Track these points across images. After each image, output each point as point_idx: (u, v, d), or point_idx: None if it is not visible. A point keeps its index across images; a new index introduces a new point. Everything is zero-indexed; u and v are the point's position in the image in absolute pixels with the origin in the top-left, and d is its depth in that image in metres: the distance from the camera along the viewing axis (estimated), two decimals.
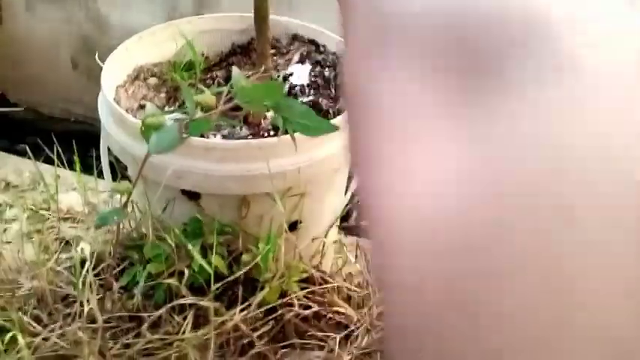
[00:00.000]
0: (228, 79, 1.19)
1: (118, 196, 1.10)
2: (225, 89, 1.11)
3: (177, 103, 1.15)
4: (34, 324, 0.95)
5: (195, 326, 1.01)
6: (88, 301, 0.94)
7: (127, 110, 1.06)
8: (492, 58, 0.18)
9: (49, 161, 2.18)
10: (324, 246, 1.09)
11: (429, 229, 0.18)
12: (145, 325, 0.93)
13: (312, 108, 1.12)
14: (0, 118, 2.40)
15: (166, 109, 1.13)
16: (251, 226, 1.00)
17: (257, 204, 0.99)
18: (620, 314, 0.18)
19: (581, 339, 0.18)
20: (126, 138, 0.97)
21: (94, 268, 1.03)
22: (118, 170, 1.22)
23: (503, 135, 0.18)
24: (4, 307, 1.01)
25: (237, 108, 1.10)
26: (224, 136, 1.08)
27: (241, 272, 0.97)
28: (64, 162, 2.25)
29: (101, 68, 2.24)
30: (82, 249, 1.19)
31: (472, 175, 0.18)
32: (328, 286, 1.09)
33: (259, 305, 1.00)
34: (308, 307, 1.07)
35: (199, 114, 0.70)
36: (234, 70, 0.72)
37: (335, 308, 1.07)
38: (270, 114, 1.14)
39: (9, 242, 1.26)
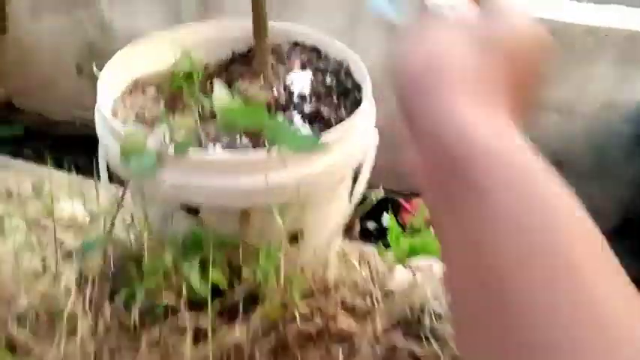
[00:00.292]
0: (228, 87, 1.14)
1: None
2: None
3: (176, 113, 1.10)
4: (29, 342, 0.90)
5: (196, 341, 0.97)
6: (85, 317, 0.90)
7: (124, 122, 1.01)
8: None
9: (55, 165, 2.15)
10: (327, 257, 1.04)
11: None
12: (143, 344, 0.89)
13: (313, 117, 1.07)
14: (7, 123, 2.37)
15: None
16: (252, 238, 0.95)
17: (258, 217, 0.94)
18: None
19: None
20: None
21: (92, 282, 0.99)
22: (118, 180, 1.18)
23: None
24: None
25: None
26: (224, 146, 1.04)
27: (241, 286, 0.93)
28: (70, 167, 2.22)
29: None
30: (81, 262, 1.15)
31: None
32: (331, 298, 1.04)
33: (260, 319, 0.96)
34: (311, 320, 1.03)
35: (182, 134, 0.65)
36: (217, 86, 0.67)
37: (338, 321, 1.03)
38: None
39: (9, 254, 1.21)
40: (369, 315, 1.06)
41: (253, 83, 1.05)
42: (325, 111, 1.07)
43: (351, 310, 1.08)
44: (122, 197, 0.72)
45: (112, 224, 0.74)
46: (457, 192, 0.33)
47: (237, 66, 1.18)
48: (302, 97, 1.11)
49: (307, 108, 1.09)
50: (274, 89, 1.10)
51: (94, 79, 2.30)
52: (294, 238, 1.01)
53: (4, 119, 2.34)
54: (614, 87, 1.85)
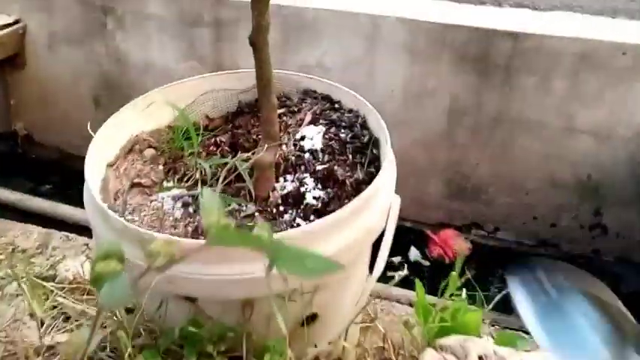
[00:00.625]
0: (233, 145, 1.01)
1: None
2: (229, 162, 0.94)
3: (176, 176, 0.97)
4: None
5: None
6: None
7: (116, 193, 0.89)
8: None
9: (72, 202, 2.06)
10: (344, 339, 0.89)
11: None
12: None
13: (326, 178, 0.93)
14: (26, 158, 2.29)
15: (165, 183, 0.96)
16: (257, 327, 0.82)
17: (262, 305, 0.80)
18: None
19: None
20: (110, 234, 0.79)
21: None
22: None
23: None
24: None
25: (239, 178, 0.92)
26: (228, 214, 0.90)
27: None
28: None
29: (123, 105, 2.08)
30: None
31: None
32: None
33: None
34: None
35: (160, 260, 0.52)
36: (206, 195, 0.54)
37: None
38: (279, 185, 0.95)
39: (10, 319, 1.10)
40: None
41: (257, 151, 0.91)
42: (339, 171, 0.93)
43: None
44: (94, 326, 0.59)
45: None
46: None
47: (244, 118, 1.05)
48: (313, 154, 0.97)
49: (319, 167, 0.95)
50: (283, 146, 0.96)
51: (110, 112, 2.20)
52: (310, 319, 0.87)
53: (25, 154, 2.26)
54: None
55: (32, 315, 1.13)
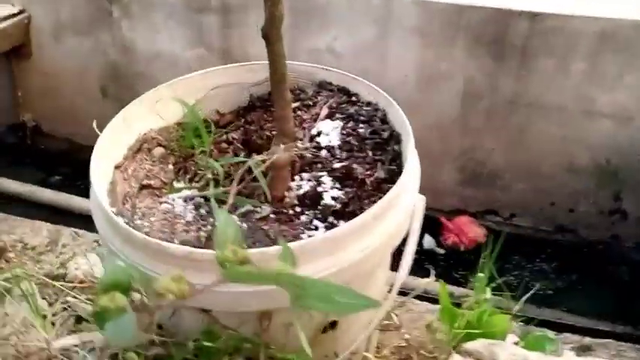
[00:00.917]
0: (245, 142, 0.95)
1: None
2: (244, 163, 0.88)
3: (187, 176, 0.91)
4: None
5: None
6: None
7: (124, 196, 0.83)
8: None
9: (82, 193, 2.01)
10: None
11: None
12: None
13: (344, 177, 0.87)
14: (35, 150, 2.23)
15: (175, 184, 0.90)
16: (275, 337, 0.76)
17: (281, 315, 0.75)
18: None
19: None
20: (117, 242, 0.74)
21: None
22: None
23: None
24: None
25: (254, 178, 0.86)
26: (241, 216, 0.84)
27: None
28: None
29: (131, 95, 2.02)
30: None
31: None
32: None
33: None
34: None
35: (169, 299, 0.46)
36: (220, 220, 0.47)
37: None
38: (295, 184, 0.89)
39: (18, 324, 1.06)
40: None
41: (274, 143, 0.84)
42: (358, 169, 0.86)
43: None
44: None
45: None
46: None
47: (256, 113, 0.98)
48: (330, 151, 0.90)
49: (337, 165, 0.88)
50: (298, 143, 0.90)
51: (118, 101, 2.14)
52: (331, 325, 0.81)
53: (33, 145, 2.21)
54: None
55: (45, 316, 1.08)
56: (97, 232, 1.35)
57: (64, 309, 1.11)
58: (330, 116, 0.94)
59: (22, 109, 2.18)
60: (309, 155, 0.89)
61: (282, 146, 0.81)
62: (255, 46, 1.90)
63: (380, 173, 0.85)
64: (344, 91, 0.98)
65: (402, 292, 0.88)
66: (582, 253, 1.76)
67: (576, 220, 1.79)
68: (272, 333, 0.76)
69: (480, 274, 0.89)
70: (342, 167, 0.87)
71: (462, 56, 1.72)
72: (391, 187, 0.80)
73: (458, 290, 1.36)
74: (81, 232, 1.33)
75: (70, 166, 2.14)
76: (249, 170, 0.84)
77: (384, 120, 0.92)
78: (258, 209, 0.85)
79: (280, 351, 0.75)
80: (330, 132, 0.92)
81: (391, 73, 1.80)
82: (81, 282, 1.18)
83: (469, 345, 0.84)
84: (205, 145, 0.88)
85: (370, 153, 0.88)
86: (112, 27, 1.99)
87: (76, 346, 1.01)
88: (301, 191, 0.86)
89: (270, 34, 0.75)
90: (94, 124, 0.96)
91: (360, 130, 0.91)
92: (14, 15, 1.99)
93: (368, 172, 0.86)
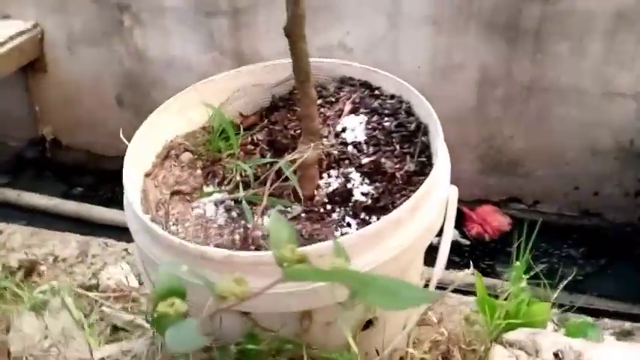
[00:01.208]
0: (270, 142, 0.94)
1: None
2: (275, 164, 0.87)
3: (216, 180, 0.91)
4: None
5: None
6: None
7: (157, 204, 0.83)
8: None
9: (105, 203, 2.02)
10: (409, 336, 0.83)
11: None
12: None
13: (373, 172, 0.86)
14: (55, 163, 2.25)
15: (205, 188, 0.90)
16: (316, 336, 0.76)
17: (322, 314, 0.74)
18: None
19: None
20: (155, 250, 0.74)
21: None
22: None
23: None
24: None
25: (285, 178, 0.86)
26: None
27: None
28: (120, 201, 2.08)
29: (147, 102, 2.01)
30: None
31: None
32: None
33: None
34: None
35: (230, 299, 0.46)
36: (273, 222, 0.47)
37: None
38: (323, 182, 0.88)
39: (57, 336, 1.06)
40: None
41: (301, 148, 0.84)
42: (387, 163, 0.86)
43: None
44: None
45: None
46: None
47: (279, 113, 0.98)
48: (357, 147, 0.90)
49: (365, 160, 0.87)
50: (324, 140, 0.89)
51: (135, 109, 2.14)
52: (368, 323, 0.81)
53: (53, 158, 2.23)
54: None
55: (82, 327, 1.09)
56: (126, 241, 1.37)
57: (100, 319, 1.11)
58: (353, 111, 0.93)
59: (41, 123, 2.19)
60: (335, 152, 0.88)
61: (311, 145, 0.80)
62: (266, 46, 1.90)
63: (409, 166, 0.84)
64: (366, 85, 0.97)
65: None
66: (609, 236, 1.74)
67: (602, 204, 1.77)
68: (313, 333, 0.76)
69: (517, 263, 0.88)
70: (370, 162, 0.86)
71: (475, 44, 1.71)
72: (422, 179, 0.80)
73: (487, 281, 1.35)
74: (110, 241, 1.34)
75: (91, 177, 2.16)
76: (275, 170, 0.84)
77: (409, 112, 0.91)
78: (289, 209, 0.85)
79: (322, 351, 0.75)
80: (355, 127, 0.91)
81: (404, 65, 1.78)
82: (114, 291, 1.19)
83: (510, 335, 0.83)
84: (233, 148, 0.88)
85: (398, 146, 0.88)
86: (124, 36, 1.99)
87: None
88: (330, 189, 0.86)
89: (293, 33, 0.75)
90: (121, 134, 0.96)
91: (386, 124, 0.90)
92: (27, 30, 2.00)
93: (397, 166, 0.85)
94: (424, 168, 0.84)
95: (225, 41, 1.92)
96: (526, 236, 0.94)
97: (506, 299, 0.86)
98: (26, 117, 2.20)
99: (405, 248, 0.71)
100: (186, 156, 0.91)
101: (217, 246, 0.77)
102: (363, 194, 0.84)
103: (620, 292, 1.55)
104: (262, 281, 0.68)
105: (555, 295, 0.97)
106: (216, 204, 0.86)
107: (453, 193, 0.83)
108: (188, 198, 0.88)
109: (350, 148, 0.89)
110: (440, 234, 0.83)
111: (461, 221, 1.83)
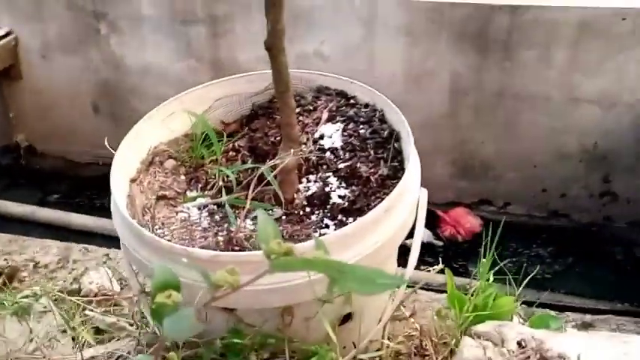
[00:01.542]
0: (251, 149, 1.00)
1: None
2: (255, 172, 0.93)
3: (199, 185, 0.96)
4: None
5: None
6: None
7: (143, 208, 0.88)
8: None
9: (82, 210, 2.05)
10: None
11: None
12: None
13: (350, 176, 0.93)
14: (30, 170, 2.26)
15: (188, 193, 0.95)
16: (297, 331, 0.82)
17: (302, 309, 0.80)
18: None
19: None
20: (144, 251, 0.79)
21: None
22: None
23: None
24: None
25: (266, 183, 0.91)
26: (254, 219, 0.90)
27: None
28: (97, 207, 2.11)
29: (124, 109, 2.05)
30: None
31: None
32: None
33: None
34: None
35: (225, 287, 0.52)
36: (260, 220, 0.53)
37: None
38: (302, 186, 0.95)
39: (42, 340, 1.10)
40: None
41: (281, 148, 0.90)
42: (362, 168, 0.92)
43: None
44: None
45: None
46: None
47: (259, 121, 1.04)
48: (334, 153, 0.96)
49: (341, 165, 0.94)
50: (302, 147, 0.95)
51: (111, 117, 2.17)
52: (346, 318, 0.87)
53: (28, 165, 2.24)
54: None
55: (65, 331, 1.13)
56: (106, 247, 1.41)
57: (84, 322, 1.15)
58: (330, 119, 0.99)
59: (15, 130, 2.21)
60: (314, 158, 0.95)
61: (292, 151, 0.87)
62: (243, 54, 1.95)
63: (383, 170, 0.91)
64: (342, 94, 1.04)
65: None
66: (576, 236, 1.84)
67: (568, 205, 1.87)
68: (293, 328, 0.82)
69: (483, 260, 0.95)
70: (346, 167, 0.93)
71: (447, 52, 1.79)
72: (395, 182, 0.86)
73: (458, 280, 1.43)
74: (91, 247, 1.38)
75: (67, 184, 2.18)
76: (257, 175, 0.90)
77: (383, 120, 0.98)
78: (270, 212, 0.90)
79: (302, 344, 0.81)
80: (332, 134, 0.98)
81: (379, 72, 1.86)
82: (96, 295, 1.23)
83: (478, 327, 0.90)
84: (216, 154, 0.93)
85: (372, 152, 0.94)
86: (100, 44, 2.03)
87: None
88: (309, 192, 0.92)
89: (274, 47, 0.81)
90: (106, 142, 1.00)
91: (361, 131, 0.97)
92: (1, 37, 2.02)
93: (372, 170, 0.92)
94: (397, 172, 0.91)
95: (203, 49, 1.97)
96: (493, 236, 1.02)
97: (474, 294, 0.93)
98: (0, 124, 2.21)
99: (381, 245, 0.78)
100: (169, 162, 0.97)
101: (202, 247, 0.82)
102: (340, 197, 0.90)
103: (585, 289, 1.64)
104: (247, 279, 0.74)
105: (522, 291, 1.04)
106: (200, 208, 0.92)
107: (423, 195, 0.90)
108: (172, 203, 0.93)
109: (327, 154, 0.96)
110: (412, 233, 0.90)
111: (434, 223, 1.91)
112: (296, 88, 1.05)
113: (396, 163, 0.92)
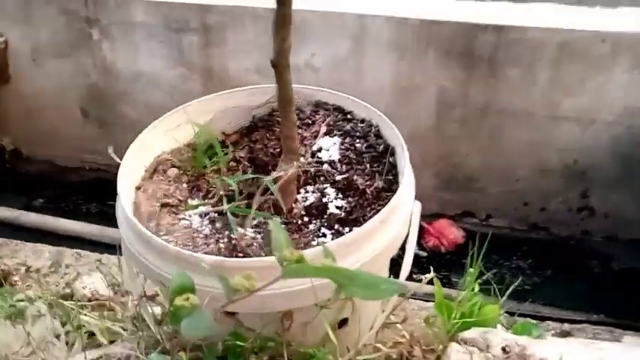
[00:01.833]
0: (252, 159, 1.05)
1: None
2: (259, 182, 0.98)
3: (200, 193, 1.01)
4: None
5: None
6: None
7: (148, 215, 0.92)
8: None
9: (68, 215, 2.06)
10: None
11: None
12: None
13: (346, 188, 0.98)
14: (15, 173, 2.28)
15: (189, 201, 1.00)
16: (295, 335, 0.87)
17: (301, 314, 0.85)
18: None
19: None
20: (150, 257, 0.83)
21: None
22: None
23: None
24: None
25: (264, 193, 0.96)
26: (254, 227, 0.95)
27: None
28: (83, 213, 2.13)
29: (113, 115, 2.08)
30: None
31: None
32: None
33: None
34: None
35: (241, 292, 0.57)
36: (273, 226, 0.58)
37: None
38: (301, 197, 1.00)
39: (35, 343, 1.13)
40: None
41: (282, 160, 0.95)
42: (359, 180, 0.98)
43: None
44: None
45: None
46: None
47: (259, 132, 1.09)
48: (332, 165, 1.02)
49: (338, 177, 1.00)
50: (302, 159, 1.01)
51: (100, 122, 2.20)
52: (341, 323, 0.92)
53: (13, 169, 2.25)
54: (634, 92, 1.75)
55: (59, 335, 1.16)
56: (98, 251, 1.44)
57: (78, 327, 1.18)
58: (328, 133, 1.05)
59: (1, 133, 2.22)
60: (312, 170, 1.00)
61: (295, 163, 0.92)
62: (235, 64, 2.00)
63: (379, 183, 0.97)
64: (339, 109, 1.09)
65: None
66: (555, 249, 1.92)
67: (548, 219, 1.95)
68: (292, 332, 0.87)
69: (470, 270, 1.02)
70: (343, 179, 0.99)
71: (434, 68, 1.86)
72: (390, 195, 0.92)
73: (443, 290, 1.49)
74: (83, 252, 1.41)
75: (53, 189, 2.19)
76: (254, 185, 0.95)
77: (378, 135, 1.04)
78: (270, 221, 0.95)
79: (300, 347, 0.86)
80: (329, 148, 1.03)
81: (367, 86, 1.92)
82: (89, 300, 1.26)
83: (465, 334, 0.96)
84: (219, 164, 0.98)
85: (368, 165, 1.00)
86: (92, 49, 2.06)
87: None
88: (307, 202, 0.97)
89: (280, 64, 0.86)
90: (110, 150, 1.04)
91: (357, 145, 1.03)
92: None
93: (368, 183, 0.98)
94: (391, 185, 0.96)
95: (194, 57, 2.01)
96: (479, 247, 1.08)
97: (460, 302, 0.99)
98: None
99: (377, 254, 0.84)
100: (172, 171, 1.01)
101: (205, 254, 0.87)
102: (337, 208, 0.96)
103: (563, 300, 1.72)
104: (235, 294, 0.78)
105: (504, 300, 1.11)
106: (201, 216, 0.96)
107: (416, 208, 0.96)
108: (175, 210, 0.97)
109: (325, 166, 1.01)
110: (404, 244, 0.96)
111: (419, 234, 1.97)
112: (295, 102, 1.11)
113: (391, 177, 0.98)
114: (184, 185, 1.01)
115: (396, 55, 1.87)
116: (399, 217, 0.89)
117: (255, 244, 0.91)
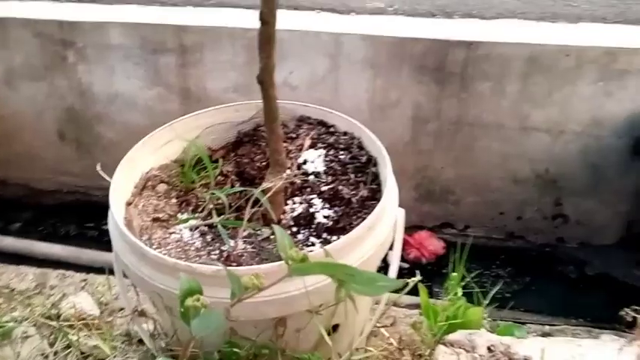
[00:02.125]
0: (239, 173, 1.09)
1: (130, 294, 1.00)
2: (248, 195, 1.02)
3: (190, 208, 1.04)
4: None
5: None
6: None
7: (140, 230, 0.95)
8: None
9: (45, 238, 2.05)
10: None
11: None
12: None
13: (332, 198, 1.02)
14: None
15: (179, 216, 1.03)
16: (288, 341, 0.90)
17: (295, 320, 0.88)
18: None
19: None
20: (146, 269, 0.86)
21: None
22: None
23: None
24: None
25: (255, 202, 1.00)
26: (244, 238, 0.98)
27: None
28: (61, 236, 2.12)
29: (90, 137, 2.09)
30: None
31: None
32: None
33: None
34: None
35: (249, 291, 0.60)
36: (277, 233, 0.62)
37: None
38: (289, 207, 1.04)
39: None
40: None
41: (270, 172, 0.99)
42: (344, 190, 1.02)
43: None
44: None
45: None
46: None
47: (245, 147, 1.13)
48: (317, 176, 1.06)
49: (324, 188, 1.04)
50: (288, 172, 1.05)
51: (77, 144, 2.20)
52: (333, 328, 0.96)
53: None
54: (600, 103, 1.84)
55: (47, 357, 1.16)
56: (82, 272, 1.44)
57: (66, 347, 1.19)
58: (312, 146, 1.10)
59: None
60: (298, 181, 1.04)
61: (282, 175, 0.96)
62: (212, 83, 2.04)
63: (363, 192, 1.02)
64: (322, 123, 1.14)
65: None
66: (532, 256, 1.99)
67: (524, 227, 2.02)
68: (285, 338, 0.90)
69: (454, 274, 1.06)
70: (329, 189, 1.03)
71: (408, 84, 1.93)
72: (374, 203, 0.97)
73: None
74: (68, 272, 1.41)
75: (29, 212, 2.19)
76: (242, 198, 0.98)
77: (361, 146, 1.09)
78: (259, 232, 0.99)
79: (294, 353, 0.89)
80: (314, 160, 1.08)
81: (345, 102, 1.98)
82: (77, 320, 1.27)
83: (451, 336, 1.01)
84: (209, 178, 1.02)
85: (352, 176, 1.05)
86: (67, 71, 2.07)
87: None
88: (295, 213, 1.01)
89: (265, 81, 0.90)
90: (98, 167, 1.06)
91: (341, 157, 1.08)
92: None
93: (353, 192, 1.02)
94: (375, 194, 1.01)
95: (172, 77, 2.04)
96: (460, 254, 1.13)
97: (445, 307, 1.04)
98: None
99: (365, 260, 0.88)
100: (161, 187, 1.04)
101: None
102: (324, 217, 1.00)
103: (542, 306, 1.78)
104: (245, 292, 0.82)
105: (486, 304, 1.16)
106: (191, 229, 0.99)
107: (400, 215, 1.00)
108: (165, 225, 1.00)
109: (311, 177, 1.06)
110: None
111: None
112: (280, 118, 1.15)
113: (375, 186, 1.03)
114: (174, 200, 1.04)
115: (372, 72, 1.93)
116: (385, 224, 0.93)
117: (245, 254, 0.94)
